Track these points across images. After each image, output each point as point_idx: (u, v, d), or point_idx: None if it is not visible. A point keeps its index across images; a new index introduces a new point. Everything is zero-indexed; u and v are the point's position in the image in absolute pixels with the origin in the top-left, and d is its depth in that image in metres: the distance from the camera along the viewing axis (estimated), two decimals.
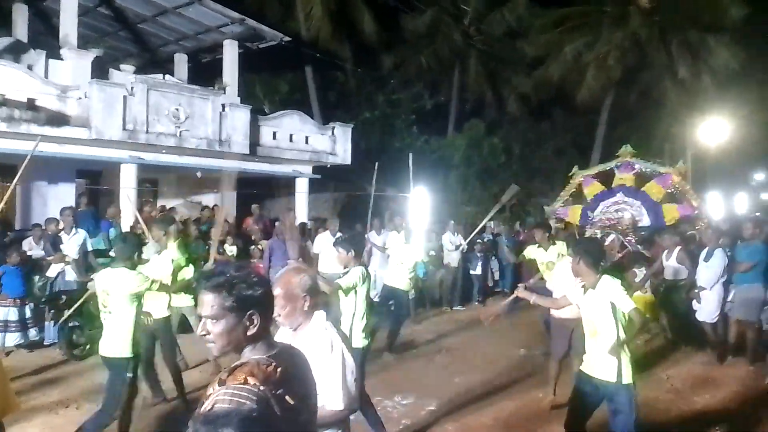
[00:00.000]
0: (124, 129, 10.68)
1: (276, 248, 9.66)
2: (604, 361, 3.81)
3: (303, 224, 11.86)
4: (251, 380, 1.63)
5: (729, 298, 7.51)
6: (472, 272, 11.82)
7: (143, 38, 14.67)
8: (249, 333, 1.78)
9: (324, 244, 9.37)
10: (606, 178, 11.20)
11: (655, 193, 10.54)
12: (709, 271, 7.43)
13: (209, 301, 1.76)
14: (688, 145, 20.23)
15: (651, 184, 10.65)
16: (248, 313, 1.76)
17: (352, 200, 15.49)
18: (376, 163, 10.21)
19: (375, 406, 5.74)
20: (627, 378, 3.78)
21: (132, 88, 10.88)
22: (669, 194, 10.63)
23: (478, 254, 11.72)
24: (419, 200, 11.32)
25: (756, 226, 7.65)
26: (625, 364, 3.78)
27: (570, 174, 11.51)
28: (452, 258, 11.54)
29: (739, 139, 20.57)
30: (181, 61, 15.11)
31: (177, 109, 11.30)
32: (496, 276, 12.98)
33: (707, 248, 7.65)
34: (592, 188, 11.02)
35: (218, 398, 1.58)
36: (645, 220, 10.30)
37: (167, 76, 13.38)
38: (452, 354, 7.88)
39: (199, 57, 15.51)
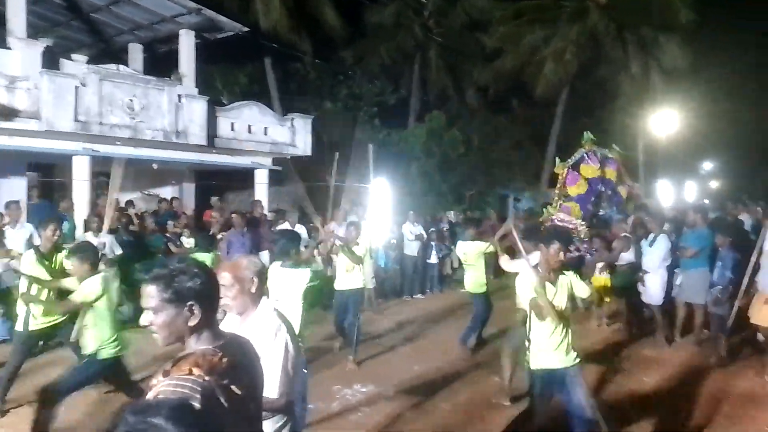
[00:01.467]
0: (76, 120, 10.41)
1: (234, 241, 9.61)
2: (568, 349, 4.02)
3: (267, 215, 11.79)
4: (196, 371, 1.63)
5: (676, 282, 7.82)
6: (428, 261, 11.98)
7: (96, 28, 14.28)
8: (190, 324, 1.79)
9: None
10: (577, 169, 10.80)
11: (612, 175, 10.49)
12: (653, 255, 7.73)
13: (149, 293, 1.79)
14: (641, 136, 20.83)
15: (608, 170, 10.62)
16: (188, 304, 1.77)
17: (312, 192, 15.44)
18: (336, 153, 10.20)
19: (334, 394, 5.83)
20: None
21: (84, 78, 10.61)
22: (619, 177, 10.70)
23: (433, 243, 11.87)
24: (380, 191, 11.38)
25: (697, 213, 7.99)
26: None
27: (555, 168, 10.90)
28: (412, 248, 11.68)
29: (688, 130, 21.31)
30: (135, 52, 14.77)
31: (131, 100, 11.07)
32: (455, 264, 13.16)
33: (652, 234, 7.95)
34: (577, 188, 10.48)
35: (161, 389, 1.58)
36: (615, 206, 10.34)
37: (121, 67, 13.07)
38: (412, 342, 7.99)
39: (155, 47, 15.18)
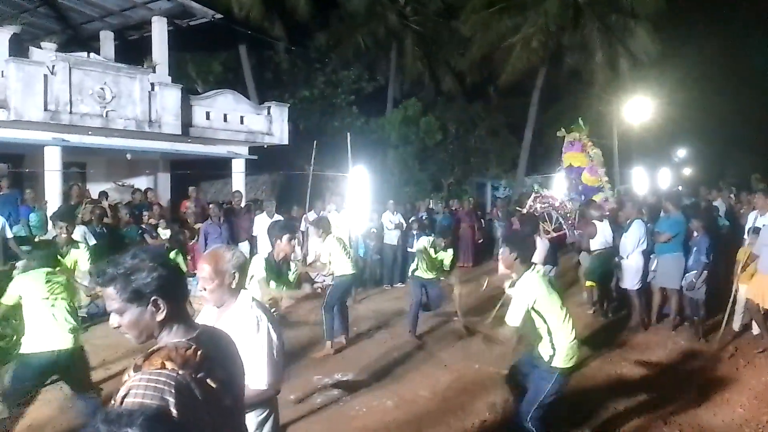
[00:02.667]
0: (45, 110, 10.13)
1: (211, 231, 9.51)
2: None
3: (248, 205, 11.67)
4: (169, 365, 1.59)
5: (652, 268, 7.93)
6: (409, 250, 11.95)
7: (65, 15, 13.88)
8: (158, 318, 1.74)
9: (262, 226, 9.27)
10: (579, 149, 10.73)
11: (588, 180, 10.33)
12: (627, 240, 7.82)
13: (109, 295, 1.74)
14: (615, 124, 21.03)
15: (585, 173, 10.36)
16: (151, 299, 1.72)
17: (290, 181, 15.33)
18: (314, 142, 10.11)
19: (314, 384, 5.80)
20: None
21: (53, 66, 10.32)
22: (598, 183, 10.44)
23: (414, 232, 11.85)
24: (358, 180, 11.32)
25: (669, 200, 8.15)
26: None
27: (558, 134, 11.00)
28: (392, 236, 11.66)
29: (661, 118, 21.56)
30: (107, 39, 14.41)
31: (102, 89, 10.80)
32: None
33: (627, 220, 8.05)
34: (569, 157, 10.61)
35: (133, 385, 1.53)
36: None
37: (92, 55, 12.76)
38: (391, 330, 7.98)
39: (127, 35, 14.83)
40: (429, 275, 7.51)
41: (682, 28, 22.46)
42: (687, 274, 7.43)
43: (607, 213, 8.85)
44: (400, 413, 5.15)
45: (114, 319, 1.76)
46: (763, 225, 7.04)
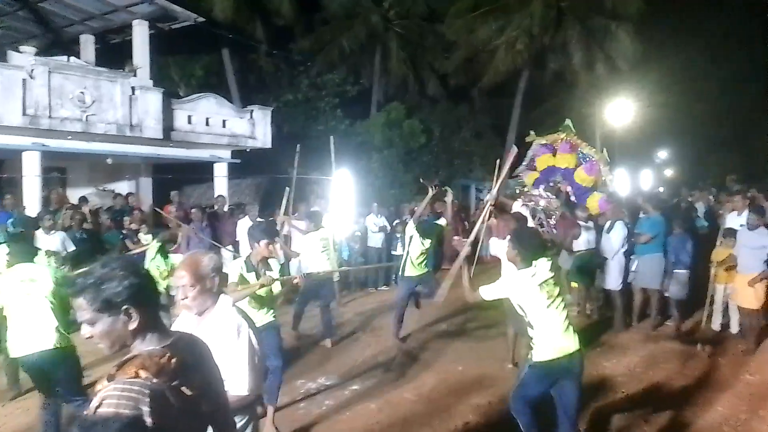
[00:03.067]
0: (24, 114, 10.02)
1: (193, 236, 9.44)
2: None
3: (231, 209, 11.59)
4: (143, 373, 1.57)
5: (633, 268, 8.01)
6: (393, 253, 11.96)
7: (46, 18, 13.73)
8: (131, 327, 1.71)
9: (245, 230, 9.21)
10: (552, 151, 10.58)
11: (583, 180, 10.07)
12: (610, 242, 7.90)
13: (80, 305, 1.71)
14: (597, 126, 21.23)
15: (579, 171, 10.12)
16: (123, 308, 1.70)
17: (274, 185, 15.27)
18: (298, 145, 10.08)
19: (298, 389, 5.78)
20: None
21: (32, 70, 10.20)
22: (595, 184, 10.09)
23: (398, 236, 11.85)
24: (342, 183, 11.31)
25: (649, 201, 8.25)
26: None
27: (527, 138, 10.83)
28: (376, 239, 11.66)
29: (643, 120, 21.83)
30: (87, 43, 14.28)
31: (82, 93, 10.70)
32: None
33: (609, 221, 8.12)
34: (544, 160, 10.45)
35: (106, 395, 1.51)
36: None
37: (72, 58, 12.62)
38: (376, 333, 7.97)
39: (108, 38, 14.71)
40: (419, 271, 7.37)
41: (663, 32, 22.80)
42: (675, 271, 7.50)
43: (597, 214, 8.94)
44: (384, 416, 5.14)
45: (86, 330, 1.73)
46: (741, 225, 7.14)
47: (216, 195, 12.29)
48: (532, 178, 10.43)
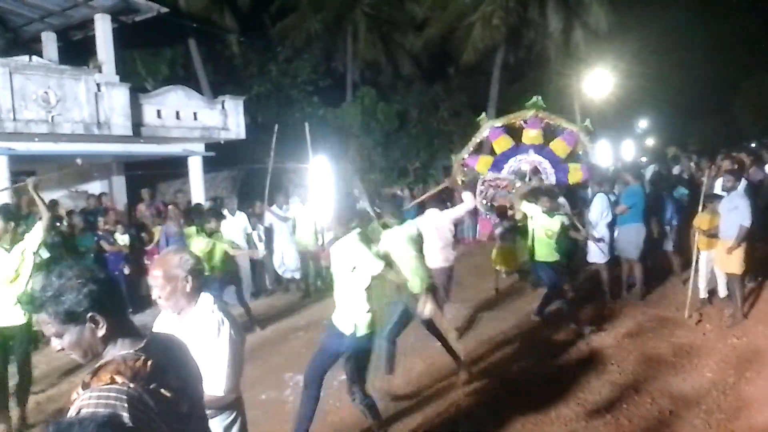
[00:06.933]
0: None
1: (172, 233, 9.24)
2: None
3: (198, 205, 11.36)
4: (119, 378, 1.53)
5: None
6: None
7: (3, 17, 13.30)
8: (100, 334, 1.66)
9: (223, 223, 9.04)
10: (513, 131, 10.59)
11: (561, 150, 10.14)
12: (591, 214, 7.86)
13: (43, 321, 1.66)
14: (576, 98, 21.20)
15: (557, 141, 10.24)
16: (88, 316, 1.64)
17: (251, 176, 15.04)
18: (276, 127, 9.88)
19: (286, 382, 5.67)
20: None
21: None
22: (573, 153, 10.27)
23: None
24: (319, 170, 11.12)
25: (626, 171, 8.29)
26: None
27: (478, 119, 10.82)
28: None
29: (620, 90, 21.82)
30: (49, 41, 13.84)
31: (46, 93, 10.36)
32: None
33: (590, 194, 8.08)
34: (501, 142, 10.42)
35: (83, 404, 1.47)
36: (552, 179, 9.76)
37: (35, 58, 12.22)
38: None
39: (70, 35, 14.26)
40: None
41: (638, 1, 22.74)
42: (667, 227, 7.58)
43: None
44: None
45: (55, 343, 1.69)
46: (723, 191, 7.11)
47: (192, 189, 12.03)
48: (486, 164, 10.43)
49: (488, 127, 10.50)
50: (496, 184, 9.63)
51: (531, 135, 10.25)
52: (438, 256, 6.12)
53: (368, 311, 4.16)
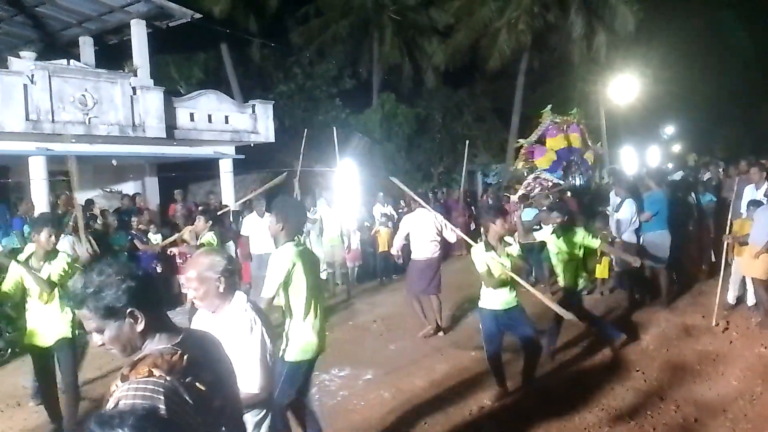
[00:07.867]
0: (27, 120, 10.05)
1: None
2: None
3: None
4: (156, 372, 1.59)
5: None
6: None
7: (43, 22, 13.74)
8: (139, 329, 1.73)
9: (252, 225, 9.21)
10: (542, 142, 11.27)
11: (576, 141, 10.80)
12: (620, 220, 7.83)
13: (84, 316, 1.73)
14: (602, 103, 21.06)
15: (573, 136, 10.86)
16: (127, 312, 1.71)
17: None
18: (305, 130, 10.04)
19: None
20: None
21: (32, 75, 10.22)
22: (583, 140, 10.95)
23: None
24: (346, 173, 11.28)
25: (650, 178, 8.21)
26: None
27: (542, 111, 11.41)
28: (384, 228, 11.64)
29: (647, 96, 21.58)
30: (86, 45, 14.27)
31: (83, 95, 10.71)
32: None
33: (618, 200, 8.06)
34: (557, 141, 10.91)
35: (122, 395, 1.53)
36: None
37: (72, 61, 12.62)
38: (386, 322, 7.98)
39: (106, 39, 14.69)
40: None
41: (666, 5, 22.43)
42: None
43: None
44: (398, 404, 5.15)
45: (96, 338, 1.75)
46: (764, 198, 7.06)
47: (222, 191, 12.26)
48: (549, 160, 10.57)
49: (549, 121, 10.83)
50: (544, 184, 9.78)
51: (556, 141, 10.52)
52: (425, 248, 7.21)
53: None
